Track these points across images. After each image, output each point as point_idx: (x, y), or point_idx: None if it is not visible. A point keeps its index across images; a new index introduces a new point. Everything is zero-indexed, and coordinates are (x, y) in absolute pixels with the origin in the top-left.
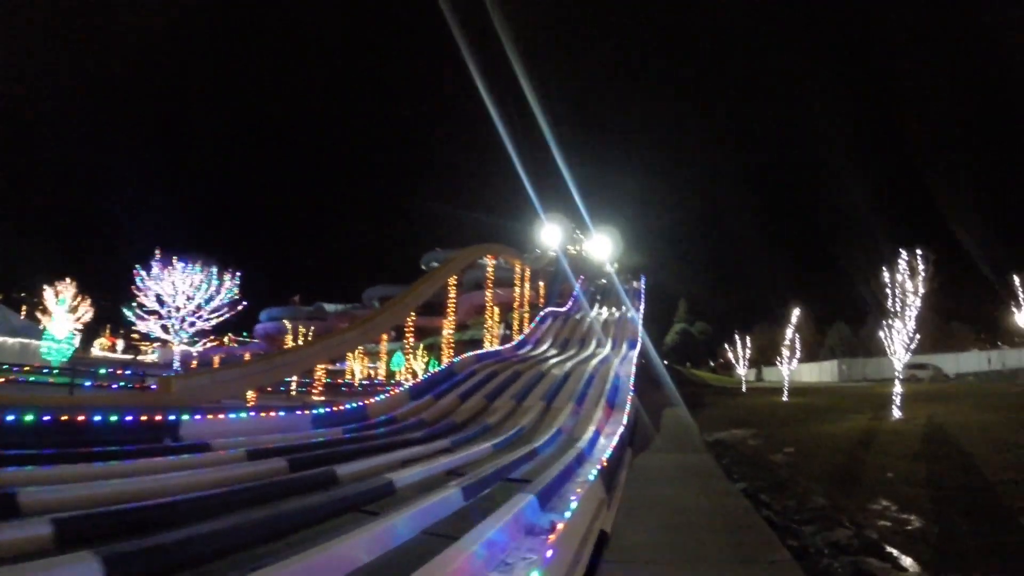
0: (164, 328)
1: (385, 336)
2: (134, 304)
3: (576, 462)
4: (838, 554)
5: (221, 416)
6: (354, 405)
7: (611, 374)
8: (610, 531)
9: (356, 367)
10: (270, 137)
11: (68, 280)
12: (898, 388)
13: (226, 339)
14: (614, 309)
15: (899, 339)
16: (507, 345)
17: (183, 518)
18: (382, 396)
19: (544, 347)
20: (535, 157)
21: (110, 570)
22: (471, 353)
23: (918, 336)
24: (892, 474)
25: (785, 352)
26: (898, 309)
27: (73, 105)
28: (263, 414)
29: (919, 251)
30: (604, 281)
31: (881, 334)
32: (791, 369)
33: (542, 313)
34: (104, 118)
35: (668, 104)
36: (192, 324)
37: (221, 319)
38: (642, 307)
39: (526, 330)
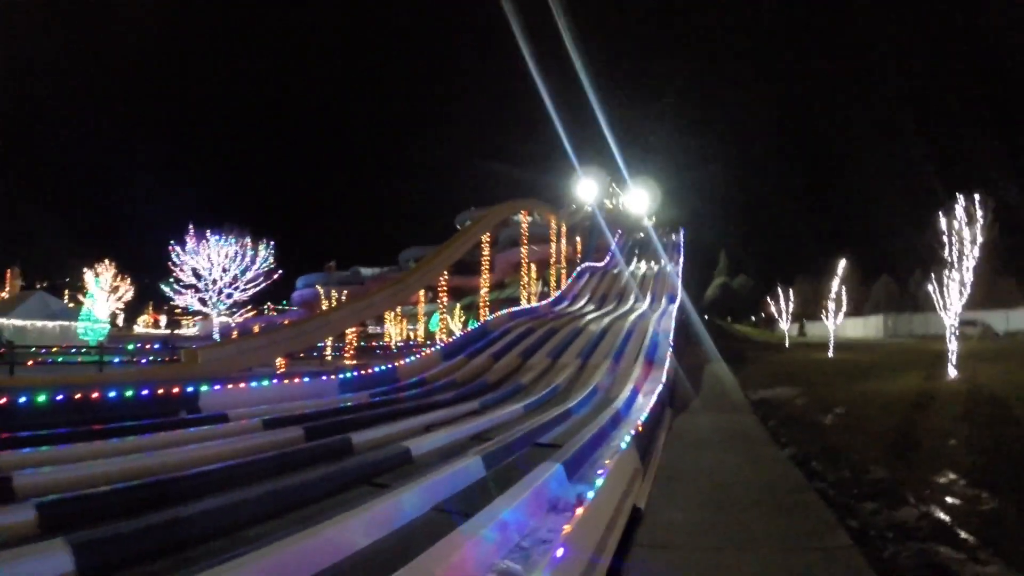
0: (202, 301)
1: (422, 297)
2: (171, 280)
3: (611, 424)
4: (903, 539)
5: (243, 385)
6: (383, 368)
7: (650, 330)
8: (644, 507)
9: (392, 329)
10: (299, 101)
11: (107, 262)
12: (952, 345)
13: (265, 308)
14: (652, 263)
15: (954, 292)
16: (543, 302)
17: (180, 495)
18: (413, 358)
19: (581, 303)
20: (572, 110)
21: (81, 560)
22: (505, 311)
23: (969, 290)
24: (955, 441)
25: (830, 306)
26: (954, 259)
27: (94, 90)
28: (287, 381)
29: (977, 196)
30: (642, 235)
31: (930, 287)
32: (836, 324)
33: (579, 268)
34: (127, 100)
35: (706, 53)
36: (229, 296)
37: (258, 289)
38: (681, 260)
39: (563, 286)
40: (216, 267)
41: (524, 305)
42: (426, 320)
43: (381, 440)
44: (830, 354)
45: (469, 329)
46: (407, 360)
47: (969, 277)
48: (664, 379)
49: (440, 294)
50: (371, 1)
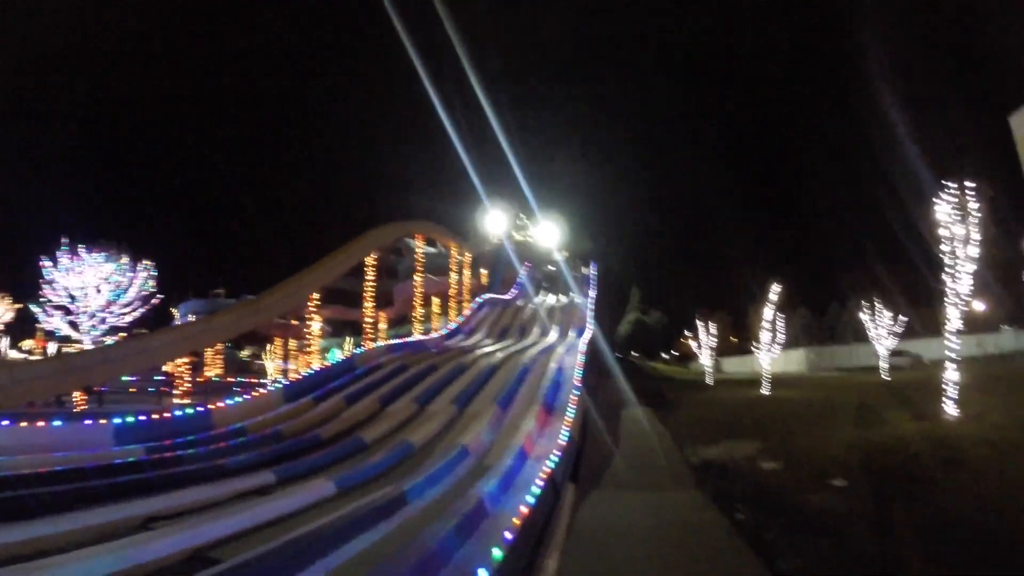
0: (73, 325)
1: (319, 331)
2: (44, 300)
3: (464, 527)
4: None
5: None
6: (192, 411)
7: (551, 366)
8: None
9: (268, 364)
10: (192, 114)
11: None
12: (953, 375)
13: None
14: (562, 296)
15: (953, 306)
16: (433, 335)
17: None
18: (240, 399)
19: (478, 336)
20: (478, 142)
21: None
22: (381, 343)
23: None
24: None
25: (764, 335)
26: (958, 259)
27: None
28: (28, 424)
29: (969, 184)
30: (552, 268)
31: (864, 316)
32: (770, 356)
33: (479, 300)
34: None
35: (618, 77)
36: (103, 320)
37: (137, 315)
38: (592, 293)
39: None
40: (90, 288)
41: (415, 338)
42: (322, 355)
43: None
44: (764, 391)
45: (328, 364)
46: (231, 402)
47: (969, 283)
48: (564, 439)
49: (308, 320)
50: (264, 16)
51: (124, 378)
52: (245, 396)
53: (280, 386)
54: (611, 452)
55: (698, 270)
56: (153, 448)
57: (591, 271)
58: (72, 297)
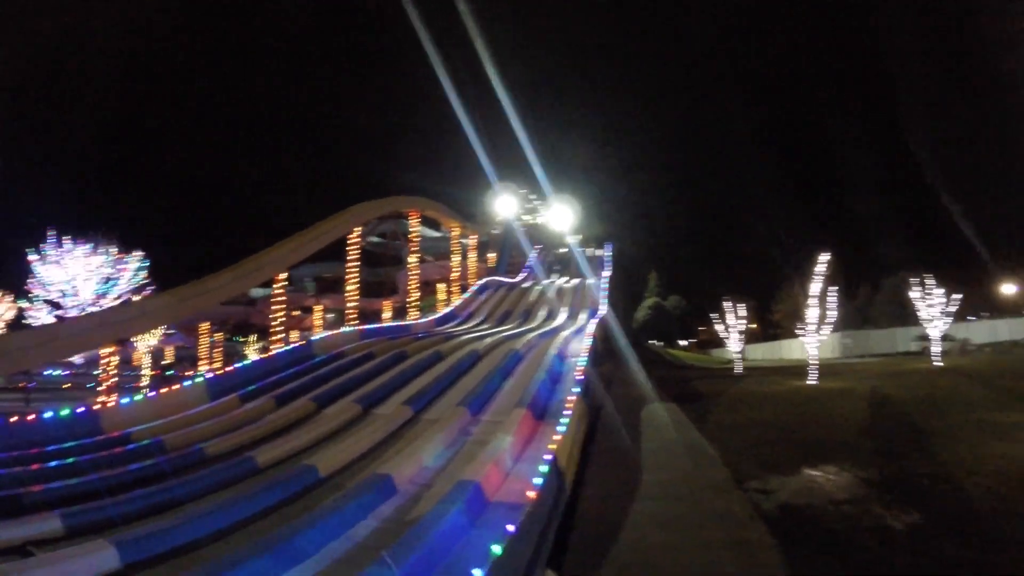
0: (61, 320)
1: (320, 319)
2: (33, 295)
3: None
4: None
5: None
6: (65, 413)
7: (550, 353)
8: None
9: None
10: (185, 99)
11: None
12: None
13: None
14: (574, 279)
15: None
16: (424, 319)
17: None
18: (145, 396)
19: (476, 320)
20: (490, 123)
21: None
22: (350, 328)
23: None
24: None
25: (811, 314)
26: None
27: None
28: None
29: None
30: (564, 251)
31: (914, 294)
32: (818, 339)
33: (481, 282)
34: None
35: (637, 53)
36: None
37: None
38: (607, 274)
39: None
40: (78, 281)
41: (397, 323)
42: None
43: None
44: (812, 380)
45: (277, 352)
46: (137, 399)
47: None
48: (544, 468)
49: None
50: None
51: (56, 372)
52: (152, 393)
53: (203, 379)
54: (629, 481)
55: (720, 253)
56: None
57: (606, 252)
58: (63, 292)
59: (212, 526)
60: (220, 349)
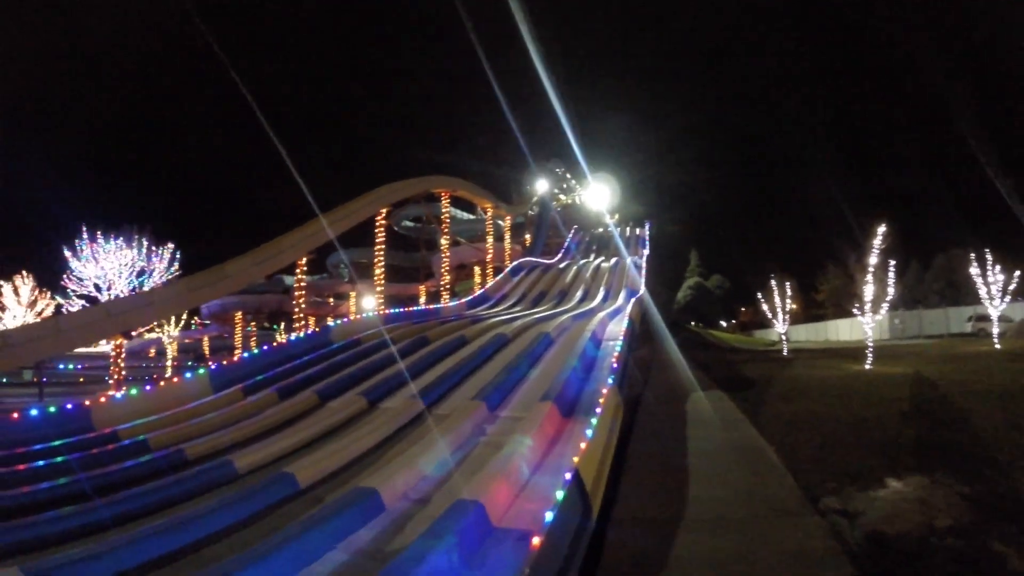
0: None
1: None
2: (69, 291)
3: None
4: None
5: None
6: (52, 409)
7: (584, 338)
8: None
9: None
10: (214, 88)
11: (25, 273)
12: None
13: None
14: (612, 260)
15: None
16: (455, 302)
17: None
18: (144, 389)
19: (510, 303)
20: (528, 103)
21: None
22: (372, 313)
23: None
24: None
25: (868, 290)
26: None
27: None
28: None
29: None
30: (602, 231)
31: (973, 271)
32: (872, 320)
33: (515, 263)
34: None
35: (669, 39)
36: None
37: None
38: (646, 254)
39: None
40: (113, 275)
41: (426, 307)
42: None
43: None
44: (868, 365)
45: (292, 339)
46: (133, 393)
47: None
48: (567, 485)
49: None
50: None
51: (70, 367)
52: (150, 385)
53: (205, 371)
54: (674, 501)
55: (762, 232)
56: None
57: (645, 231)
58: (97, 287)
59: (127, 561)
60: (254, 338)
